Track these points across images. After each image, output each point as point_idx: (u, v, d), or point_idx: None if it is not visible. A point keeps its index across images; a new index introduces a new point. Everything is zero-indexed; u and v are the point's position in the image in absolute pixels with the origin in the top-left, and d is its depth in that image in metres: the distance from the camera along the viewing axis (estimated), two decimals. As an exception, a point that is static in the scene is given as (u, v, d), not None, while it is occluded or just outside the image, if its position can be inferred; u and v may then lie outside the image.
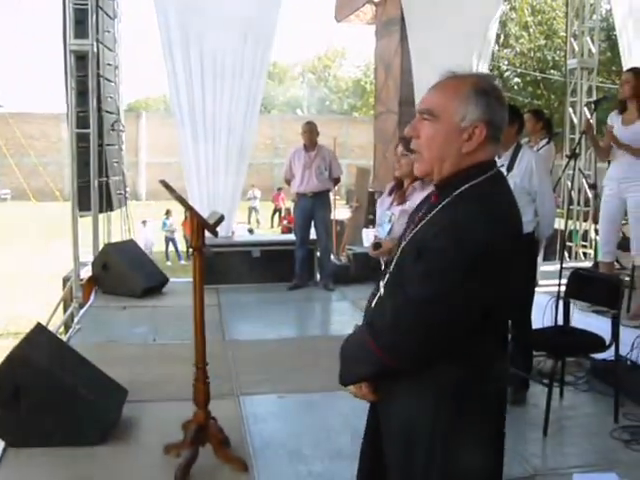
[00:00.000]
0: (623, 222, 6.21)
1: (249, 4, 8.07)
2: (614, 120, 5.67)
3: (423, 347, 1.80)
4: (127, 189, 9.47)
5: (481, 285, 1.76)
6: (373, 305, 2.01)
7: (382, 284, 1.99)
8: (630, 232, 5.78)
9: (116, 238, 8.81)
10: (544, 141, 6.77)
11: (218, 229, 3.66)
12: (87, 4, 7.54)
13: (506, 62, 26.33)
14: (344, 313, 7.21)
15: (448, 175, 1.90)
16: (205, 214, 3.72)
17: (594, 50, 10.00)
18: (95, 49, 7.65)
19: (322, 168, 8.10)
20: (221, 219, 3.56)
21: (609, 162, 5.84)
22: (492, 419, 1.95)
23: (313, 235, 8.30)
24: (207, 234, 3.52)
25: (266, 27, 8.36)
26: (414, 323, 1.78)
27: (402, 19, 11.15)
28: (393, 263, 1.96)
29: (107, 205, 8.26)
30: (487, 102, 1.85)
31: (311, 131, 8.18)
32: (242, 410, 4.52)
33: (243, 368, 5.36)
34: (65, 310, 7.88)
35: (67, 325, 7.32)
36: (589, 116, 6.19)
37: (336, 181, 8.47)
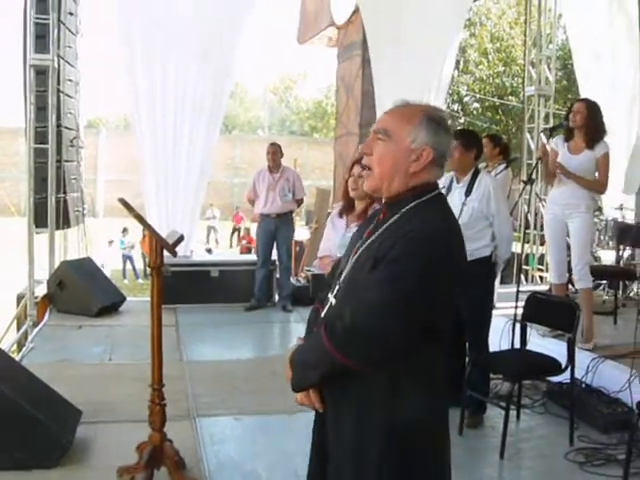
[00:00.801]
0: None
1: (212, 24, 8.07)
2: (559, 146, 5.77)
3: (379, 348, 1.92)
4: (85, 206, 9.35)
5: (434, 292, 1.92)
6: (323, 314, 2.14)
7: (331, 295, 2.13)
8: (572, 256, 5.88)
9: (73, 256, 8.67)
10: (502, 166, 6.87)
11: (177, 248, 3.62)
12: (49, 19, 7.47)
13: (465, 87, 26.70)
14: (302, 334, 7.11)
15: (397, 193, 2.08)
16: (164, 233, 3.70)
17: (551, 78, 10.21)
18: (56, 64, 7.57)
19: (286, 190, 8.15)
20: (180, 239, 3.53)
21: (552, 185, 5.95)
22: (441, 425, 2.11)
23: (273, 256, 8.29)
24: (165, 253, 3.49)
25: (228, 47, 8.36)
26: (373, 325, 1.90)
27: (364, 42, 11.29)
28: (343, 275, 2.11)
29: (64, 222, 8.14)
30: (436, 130, 2.06)
31: (275, 152, 8.22)
32: (198, 432, 4.46)
33: (200, 389, 5.29)
34: (18, 328, 7.71)
35: (20, 344, 7.17)
36: (544, 143, 6.34)
37: (299, 202, 8.50)
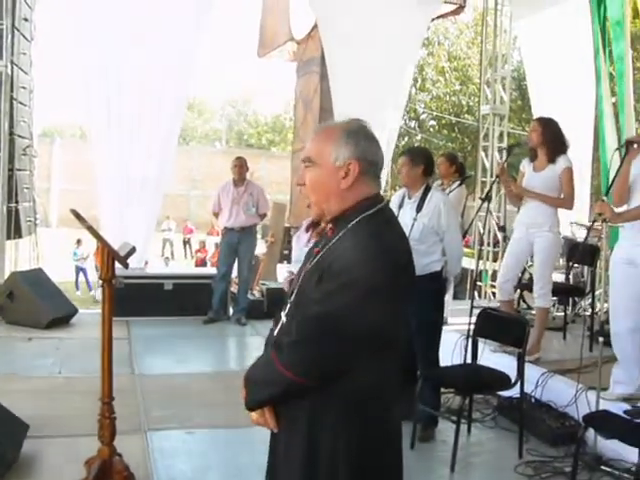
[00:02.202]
0: (530, 264, 6.42)
1: (170, 34, 8.04)
2: (526, 167, 5.87)
3: (325, 362, 1.92)
4: (37, 216, 9.21)
5: (376, 306, 1.90)
6: (276, 332, 2.12)
7: (283, 314, 2.11)
8: (534, 274, 5.97)
9: (24, 266, 8.52)
10: (456, 184, 6.98)
11: (131, 260, 3.60)
12: (3, 24, 7.38)
13: (423, 105, 27.05)
14: (256, 348, 7.07)
15: (338, 212, 2.08)
16: (119, 244, 3.66)
17: (505, 98, 10.38)
18: (9, 71, 7.47)
19: (250, 204, 8.19)
20: (132, 251, 3.50)
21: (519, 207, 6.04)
22: (393, 438, 2.09)
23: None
24: (118, 265, 3.46)
25: (187, 58, 8.34)
26: (316, 339, 1.90)
27: (323, 58, 11.35)
28: (294, 292, 2.11)
29: (15, 232, 8.01)
30: (356, 141, 2.05)
31: (241, 166, 8.28)
32: (149, 446, 4.41)
33: (152, 403, 5.24)
34: (-34, 340, 7.55)
35: (-33, 356, 7.00)
36: (502, 161, 6.46)
37: (262, 217, 8.56)
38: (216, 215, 8.45)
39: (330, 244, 2.04)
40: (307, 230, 4.42)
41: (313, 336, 1.90)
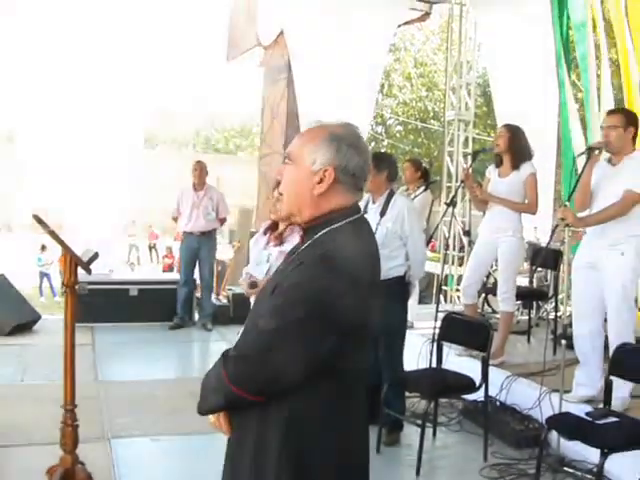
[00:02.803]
0: (494, 269, 6.48)
1: (130, 38, 8.00)
2: (492, 173, 5.94)
3: (267, 378, 1.84)
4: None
5: (325, 322, 1.81)
6: (237, 338, 2.06)
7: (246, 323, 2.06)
8: (498, 278, 6.03)
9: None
10: (421, 189, 7.03)
11: (94, 265, 3.56)
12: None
13: (389, 110, 27.18)
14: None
15: (310, 218, 1.98)
16: (83, 250, 3.62)
17: (470, 104, 10.47)
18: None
19: (210, 208, 8.14)
20: (95, 256, 3.47)
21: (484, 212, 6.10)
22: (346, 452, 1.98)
23: (196, 274, 8.23)
24: (83, 271, 3.42)
25: (152, 62, 8.32)
26: (258, 354, 1.83)
27: (290, 64, 11.35)
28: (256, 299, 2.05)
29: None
30: (337, 148, 1.94)
31: (201, 170, 8.22)
32: (113, 454, 4.37)
33: (116, 410, 5.19)
34: None
35: None
36: (467, 166, 6.53)
37: (222, 221, 8.50)
38: (175, 220, 8.39)
39: (295, 254, 1.98)
40: (265, 233, 4.42)
41: (256, 352, 1.84)
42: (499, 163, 5.86)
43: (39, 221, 3.37)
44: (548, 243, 5.13)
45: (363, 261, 1.94)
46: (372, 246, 2.05)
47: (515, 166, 5.71)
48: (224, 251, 13.77)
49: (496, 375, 5.19)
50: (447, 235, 9.92)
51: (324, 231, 1.93)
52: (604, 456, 3.50)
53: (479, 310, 6.91)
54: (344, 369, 1.91)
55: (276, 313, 1.82)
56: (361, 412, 2.04)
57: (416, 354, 5.51)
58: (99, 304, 7.82)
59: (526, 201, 5.76)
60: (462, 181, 6.12)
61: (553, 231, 4.94)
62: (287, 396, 1.86)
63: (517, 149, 5.73)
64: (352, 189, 2.00)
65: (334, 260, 1.84)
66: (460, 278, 10.15)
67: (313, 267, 1.84)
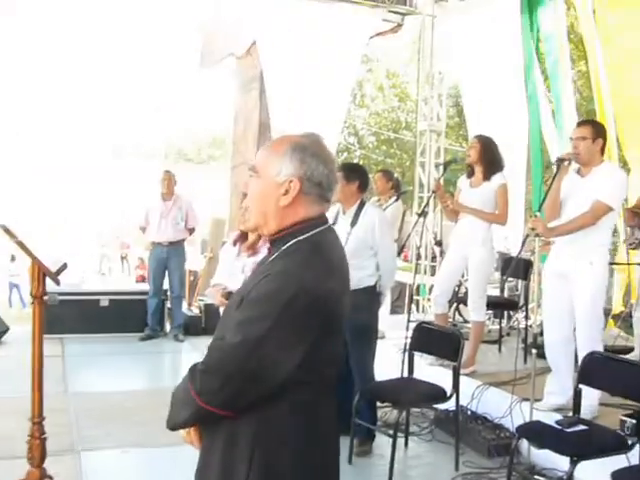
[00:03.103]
0: (466, 278, 6.52)
1: (106, 40, 7.97)
2: (463, 183, 5.99)
3: (232, 392, 1.83)
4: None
5: (291, 335, 1.80)
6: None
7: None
8: (469, 288, 6.07)
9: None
10: (392, 199, 7.08)
11: (64, 275, 3.53)
12: None
13: (362, 121, 27.30)
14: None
15: (276, 230, 1.98)
16: (54, 260, 3.58)
17: (442, 115, 10.56)
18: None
19: (178, 218, 8.09)
20: (64, 267, 3.43)
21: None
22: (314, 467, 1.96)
23: (166, 285, 8.18)
24: (52, 281, 3.39)
25: (120, 70, 8.27)
26: (223, 368, 1.82)
27: (262, 74, 11.37)
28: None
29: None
30: (301, 159, 1.94)
31: (169, 179, 8.17)
32: (82, 467, 4.34)
33: (86, 422, 5.14)
34: None
35: None
36: (438, 177, 6.58)
37: (191, 231, 8.44)
38: (143, 230, 8.33)
39: (260, 268, 1.98)
40: (234, 243, 4.41)
41: (221, 366, 1.82)
42: (470, 174, 5.92)
43: (7, 231, 3.33)
44: (519, 253, 5.17)
45: (329, 272, 1.92)
46: (340, 256, 2.04)
47: (486, 177, 5.77)
48: (196, 261, 13.71)
49: (467, 384, 5.22)
50: (419, 245, 9.97)
51: (291, 242, 1.93)
52: (573, 464, 3.54)
53: (450, 320, 6.95)
54: (312, 380, 1.90)
55: (242, 326, 1.81)
56: (331, 423, 2.03)
57: (388, 364, 5.51)
58: (69, 315, 7.74)
59: (496, 212, 5.81)
60: (433, 191, 6.16)
61: (524, 241, 4.99)
62: (255, 409, 1.85)
63: (489, 160, 5.78)
64: (318, 199, 1.99)
65: (300, 272, 1.84)
66: (432, 288, 10.23)
67: (279, 279, 1.84)
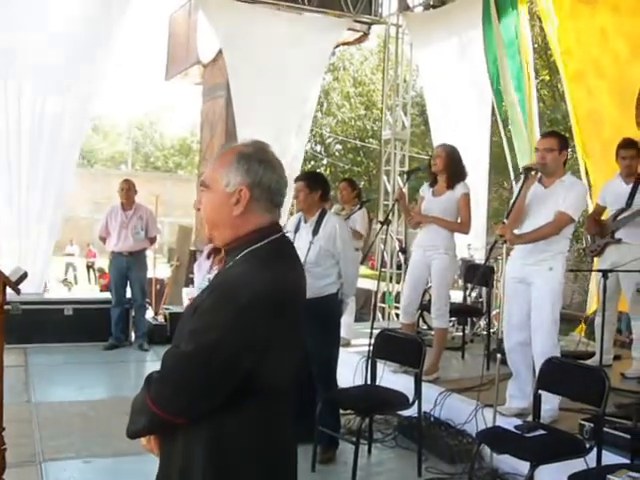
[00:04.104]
0: (429, 285, 6.58)
1: (73, 52, 7.90)
2: (426, 192, 6.06)
3: (187, 400, 1.85)
4: None
5: (240, 343, 1.82)
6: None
7: None
8: (432, 295, 6.13)
9: None
10: (357, 207, 7.14)
11: (27, 285, 3.51)
12: None
13: (328, 129, 27.40)
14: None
15: (230, 240, 2.01)
16: (12, 269, 3.56)
17: (407, 123, 10.67)
18: None
19: (139, 227, 8.03)
20: (24, 276, 3.41)
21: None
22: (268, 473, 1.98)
23: (129, 294, 8.14)
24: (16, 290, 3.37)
25: (87, 78, 8.19)
26: (180, 377, 1.84)
27: (228, 82, 11.39)
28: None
29: None
30: (248, 167, 1.96)
31: (129, 189, 8.10)
32: (44, 477, 4.28)
33: (48, 432, 5.08)
34: None
35: None
36: (402, 185, 6.64)
37: (152, 240, 8.39)
38: (103, 240, 8.27)
39: (215, 277, 2.02)
40: (208, 257, 4.41)
41: (177, 375, 1.85)
42: (434, 182, 5.99)
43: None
44: (486, 260, 5.25)
45: (284, 279, 1.94)
46: (295, 263, 2.08)
47: (450, 186, 5.85)
48: (163, 270, 13.67)
49: (430, 391, 5.27)
50: (384, 252, 10.05)
51: (244, 252, 1.95)
52: (532, 468, 3.59)
53: (416, 327, 6.99)
54: (264, 386, 1.92)
55: (193, 335, 1.84)
56: (286, 429, 2.04)
57: (352, 371, 5.55)
58: (33, 324, 7.67)
59: (459, 220, 5.89)
60: (396, 200, 6.20)
61: (491, 248, 5.05)
62: (210, 416, 1.87)
63: (453, 169, 5.87)
64: (270, 207, 2.01)
65: (253, 280, 1.86)
66: (398, 295, 10.30)
67: (233, 287, 1.86)
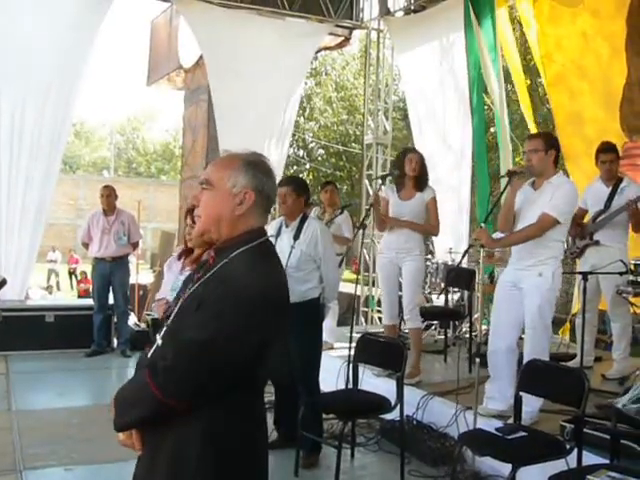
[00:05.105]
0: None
1: (54, 56, 7.87)
2: (390, 195, 6.10)
3: (198, 387, 1.95)
4: None
5: (251, 334, 1.97)
6: (150, 354, 2.13)
7: (159, 336, 2.13)
8: (403, 297, 6.17)
9: None
10: (339, 211, 7.18)
11: (9, 291, 3.49)
12: None
13: (311, 134, 27.41)
14: (142, 380, 6.93)
15: (227, 238, 2.13)
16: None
17: (389, 128, 10.71)
18: None
19: (121, 233, 8.01)
20: (3, 283, 3.40)
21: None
22: (256, 460, 2.14)
23: (112, 300, 8.10)
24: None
25: (70, 82, 8.17)
26: (191, 365, 1.94)
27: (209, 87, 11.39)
28: (171, 317, 2.13)
29: None
30: (254, 173, 2.13)
31: (109, 195, 8.08)
32: (24, 486, 4.25)
33: (29, 440, 5.05)
34: None
35: None
36: (375, 190, 6.69)
37: (135, 246, 8.37)
38: (86, 246, 8.24)
39: (211, 273, 2.07)
40: (179, 258, 4.43)
41: (187, 362, 1.93)
42: (400, 185, 6.04)
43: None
44: (459, 263, 5.26)
45: (278, 276, 2.15)
46: (280, 266, 2.25)
47: (420, 189, 5.96)
48: (146, 275, 13.62)
49: (412, 394, 5.28)
50: (366, 256, 10.08)
51: (239, 250, 2.07)
52: (514, 469, 3.61)
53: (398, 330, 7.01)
54: (256, 374, 2.08)
55: (205, 326, 1.94)
56: (263, 410, 2.25)
57: (335, 376, 5.55)
58: (14, 331, 7.60)
59: (429, 223, 6.01)
60: (371, 205, 6.21)
61: (466, 251, 5.10)
62: (206, 407, 1.97)
63: (424, 173, 6.03)
64: (263, 212, 2.18)
65: (254, 274, 2.02)
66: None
67: (236, 283, 1.98)
